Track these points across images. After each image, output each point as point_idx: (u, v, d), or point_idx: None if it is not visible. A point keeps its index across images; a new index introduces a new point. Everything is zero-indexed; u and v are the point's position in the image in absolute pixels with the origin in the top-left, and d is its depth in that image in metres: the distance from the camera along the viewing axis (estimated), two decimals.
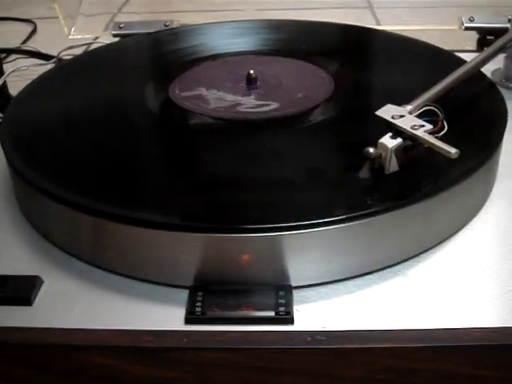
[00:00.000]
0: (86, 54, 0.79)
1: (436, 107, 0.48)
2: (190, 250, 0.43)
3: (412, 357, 0.40)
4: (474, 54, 0.60)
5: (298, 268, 0.43)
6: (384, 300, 0.43)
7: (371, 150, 0.46)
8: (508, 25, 0.75)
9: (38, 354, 0.42)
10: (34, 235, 0.50)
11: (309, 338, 0.41)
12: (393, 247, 0.45)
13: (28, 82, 0.64)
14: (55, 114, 0.58)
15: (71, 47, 0.83)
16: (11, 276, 0.45)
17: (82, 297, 0.44)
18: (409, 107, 0.49)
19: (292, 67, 0.65)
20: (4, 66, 0.76)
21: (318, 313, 0.42)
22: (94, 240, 0.46)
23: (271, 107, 0.57)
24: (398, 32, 0.73)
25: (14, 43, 0.94)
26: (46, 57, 0.85)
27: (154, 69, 0.68)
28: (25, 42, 1.00)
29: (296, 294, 0.43)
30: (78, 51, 0.83)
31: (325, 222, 0.42)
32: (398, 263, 0.46)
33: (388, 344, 0.40)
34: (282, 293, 0.43)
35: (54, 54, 0.83)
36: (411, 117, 0.47)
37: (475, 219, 0.50)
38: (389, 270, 0.45)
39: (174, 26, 0.81)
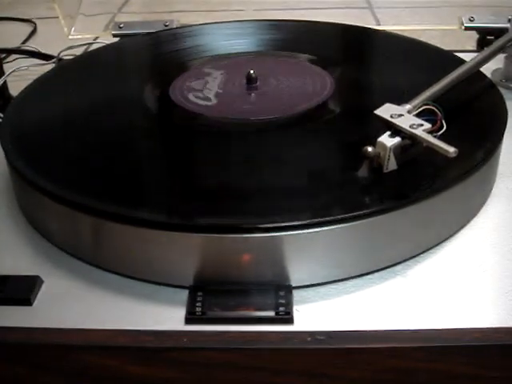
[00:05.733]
0: (86, 54, 0.79)
1: (435, 106, 0.48)
2: (190, 249, 0.43)
3: (412, 357, 0.40)
4: (474, 54, 0.60)
5: (298, 268, 0.43)
6: (384, 300, 0.43)
7: (370, 148, 0.46)
8: (508, 25, 0.75)
9: (38, 354, 0.42)
10: (34, 235, 0.50)
11: (309, 338, 0.40)
12: (393, 247, 0.45)
13: (28, 82, 0.64)
14: (55, 114, 0.58)
15: (71, 47, 0.83)
16: (11, 276, 0.45)
17: (82, 297, 0.44)
18: (408, 106, 0.49)
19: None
20: (4, 65, 0.76)
21: (318, 313, 0.42)
22: (94, 240, 0.46)
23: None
24: (398, 32, 0.73)
25: (14, 43, 0.94)
26: (46, 57, 0.85)
27: (154, 69, 0.68)
28: (25, 42, 1.00)
29: (296, 294, 0.43)
30: (78, 51, 0.83)
31: (324, 221, 0.42)
32: (398, 263, 0.46)
33: (388, 344, 0.40)
34: (281, 293, 0.43)
35: (54, 54, 0.83)
36: (410, 116, 0.47)
37: (475, 219, 0.50)
38: (389, 270, 0.45)
39: (174, 26, 0.81)
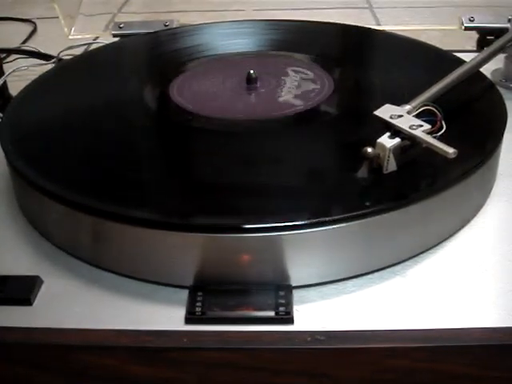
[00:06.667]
0: (86, 53, 0.79)
1: (434, 107, 0.48)
2: (189, 249, 0.43)
3: (412, 357, 0.40)
4: (474, 54, 0.60)
5: (298, 268, 0.43)
6: (384, 300, 0.43)
7: (369, 149, 0.46)
8: (508, 25, 0.75)
9: (38, 354, 0.42)
10: (33, 235, 0.50)
11: (309, 338, 0.40)
12: (392, 247, 0.45)
13: (28, 82, 0.64)
14: (55, 113, 0.58)
15: (71, 47, 0.83)
16: (11, 276, 0.45)
17: (82, 297, 0.44)
18: (407, 107, 0.49)
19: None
20: (4, 65, 0.76)
21: (318, 313, 0.42)
22: (93, 240, 0.46)
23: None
24: (398, 32, 0.73)
25: (14, 43, 0.94)
26: (46, 57, 0.85)
27: (154, 69, 0.68)
28: (25, 42, 1.00)
29: (296, 294, 0.43)
30: (78, 51, 0.83)
31: (324, 221, 0.42)
32: (398, 263, 0.46)
33: (388, 344, 0.40)
34: (281, 293, 0.43)
35: (54, 54, 0.83)
36: (409, 117, 0.47)
37: (475, 219, 0.50)
38: (389, 270, 0.45)
39: (174, 26, 0.81)
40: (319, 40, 0.72)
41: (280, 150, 0.52)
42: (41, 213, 0.50)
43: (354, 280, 0.45)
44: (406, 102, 0.49)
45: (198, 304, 0.42)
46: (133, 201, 0.46)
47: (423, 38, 0.70)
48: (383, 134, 0.47)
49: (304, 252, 0.43)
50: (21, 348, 0.41)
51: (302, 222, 0.42)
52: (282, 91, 0.60)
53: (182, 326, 0.42)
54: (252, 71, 0.60)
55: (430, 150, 0.45)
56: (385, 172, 0.46)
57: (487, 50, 0.60)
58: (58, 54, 0.82)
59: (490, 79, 0.61)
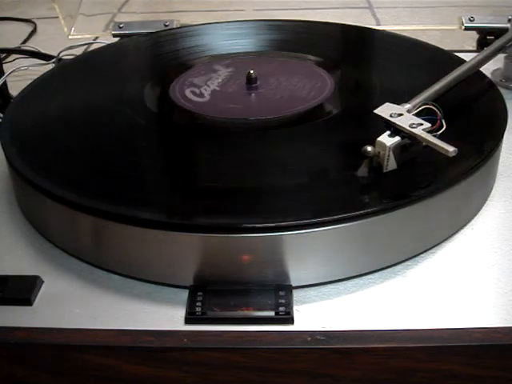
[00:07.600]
0: (86, 54, 0.79)
1: (435, 106, 0.48)
2: (189, 249, 0.43)
3: (412, 357, 0.40)
4: (474, 54, 0.60)
5: (298, 268, 0.43)
6: (384, 300, 0.43)
7: (369, 148, 0.46)
8: (508, 25, 0.75)
9: (38, 353, 0.42)
10: (34, 235, 0.50)
11: (309, 338, 0.40)
12: (392, 247, 0.45)
13: (28, 82, 0.64)
14: (55, 113, 0.58)
15: (71, 47, 0.83)
16: (11, 276, 0.45)
17: (82, 297, 0.44)
18: (407, 106, 0.49)
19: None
20: (4, 65, 0.76)
21: (318, 313, 0.42)
22: (93, 240, 0.46)
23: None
24: (398, 32, 0.73)
25: (14, 43, 0.94)
26: (46, 57, 0.85)
27: (154, 69, 0.68)
28: (25, 42, 1.00)
29: (296, 294, 0.43)
30: (78, 51, 0.83)
31: (324, 221, 0.42)
32: (398, 263, 0.46)
33: (388, 344, 0.40)
34: (282, 293, 0.43)
35: (54, 54, 0.83)
36: (410, 115, 0.47)
37: (475, 219, 0.50)
38: (389, 269, 0.45)
39: (174, 26, 0.81)
40: (319, 40, 0.72)
41: (280, 150, 0.52)
42: (41, 213, 0.50)
43: (354, 280, 0.45)
44: (406, 100, 0.50)
45: (198, 304, 0.42)
46: (133, 201, 0.46)
47: (423, 38, 0.70)
48: (383, 132, 0.47)
49: (304, 252, 0.43)
50: (21, 348, 0.41)
51: (302, 222, 0.42)
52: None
53: (182, 326, 0.42)
54: (252, 71, 0.60)
55: (430, 149, 0.45)
56: (385, 171, 0.46)
57: (487, 50, 0.60)
58: (58, 54, 0.82)
59: (490, 79, 0.61)
